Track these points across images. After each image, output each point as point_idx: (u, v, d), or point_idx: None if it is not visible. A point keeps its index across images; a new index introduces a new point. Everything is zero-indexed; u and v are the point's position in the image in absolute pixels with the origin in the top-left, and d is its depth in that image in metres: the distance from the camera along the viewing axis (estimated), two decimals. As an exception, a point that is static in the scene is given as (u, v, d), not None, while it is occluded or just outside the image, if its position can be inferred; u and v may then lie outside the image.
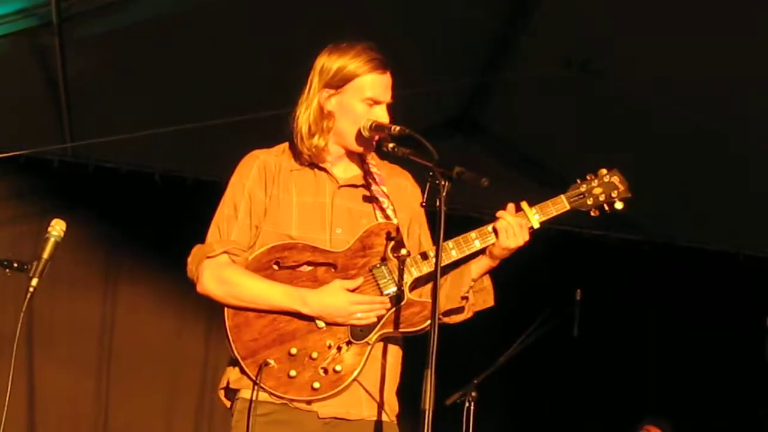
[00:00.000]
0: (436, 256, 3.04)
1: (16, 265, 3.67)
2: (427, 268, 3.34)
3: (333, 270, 3.30)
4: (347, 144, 3.39)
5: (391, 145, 3.29)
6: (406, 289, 3.32)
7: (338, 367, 3.25)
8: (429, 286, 3.40)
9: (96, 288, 7.08)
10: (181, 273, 3.40)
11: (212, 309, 3.37)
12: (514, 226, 3.34)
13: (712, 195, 7.23)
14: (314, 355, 3.24)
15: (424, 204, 3.28)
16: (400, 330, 3.32)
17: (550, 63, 6.84)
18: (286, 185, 3.37)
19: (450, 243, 3.33)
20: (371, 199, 3.41)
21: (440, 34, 6.81)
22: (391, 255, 3.34)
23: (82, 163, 7.00)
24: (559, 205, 3.45)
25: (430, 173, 3.10)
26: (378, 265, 3.33)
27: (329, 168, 3.41)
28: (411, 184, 3.52)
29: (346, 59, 3.34)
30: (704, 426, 7.05)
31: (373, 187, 3.43)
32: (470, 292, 3.44)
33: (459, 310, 3.45)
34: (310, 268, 3.30)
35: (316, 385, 3.23)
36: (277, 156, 3.42)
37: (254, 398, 3.20)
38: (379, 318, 3.29)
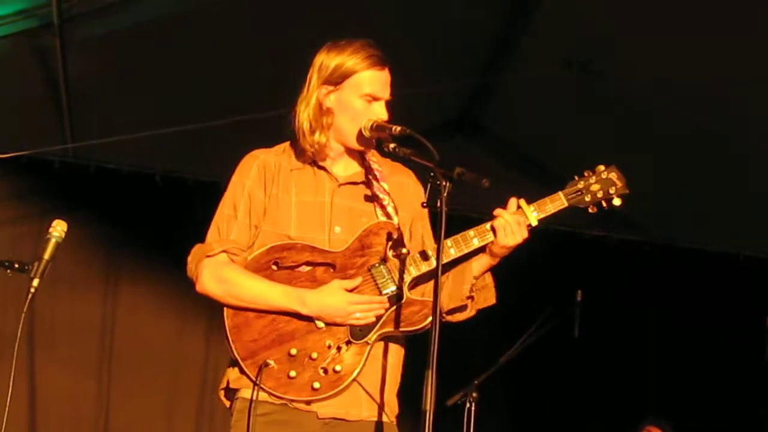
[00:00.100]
0: (437, 257, 3.03)
1: (17, 265, 3.67)
2: (426, 267, 3.34)
3: (332, 270, 3.30)
4: (346, 141, 3.38)
5: (392, 145, 3.28)
6: (405, 288, 3.32)
7: (338, 367, 3.24)
8: (429, 284, 3.40)
9: (97, 288, 7.08)
10: (181, 273, 3.40)
11: (213, 310, 3.37)
12: (512, 224, 3.33)
13: (712, 195, 7.23)
14: (314, 355, 3.24)
15: (425, 204, 3.28)
16: (400, 329, 3.32)
17: (550, 63, 6.84)
18: (285, 185, 3.37)
19: (448, 242, 3.32)
20: (372, 198, 3.41)
21: (441, 35, 6.81)
22: (390, 254, 3.34)
23: (83, 164, 7.00)
24: (557, 202, 3.44)
25: (431, 174, 3.10)
26: (377, 265, 3.32)
27: (329, 166, 3.41)
28: (413, 182, 3.51)
29: (345, 56, 3.33)
30: (705, 426, 7.05)
31: (374, 184, 3.42)
32: (474, 290, 3.44)
33: (462, 309, 3.45)
34: (308, 268, 3.30)
35: (316, 385, 3.23)
36: (277, 155, 3.42)
37: (254, 398, 3.20)
38: (378, 317, 3.29)
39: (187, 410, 7.09)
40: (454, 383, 5.60)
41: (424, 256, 3.35)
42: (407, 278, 3.32)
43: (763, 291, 7.53)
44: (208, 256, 3.30)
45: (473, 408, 5.58)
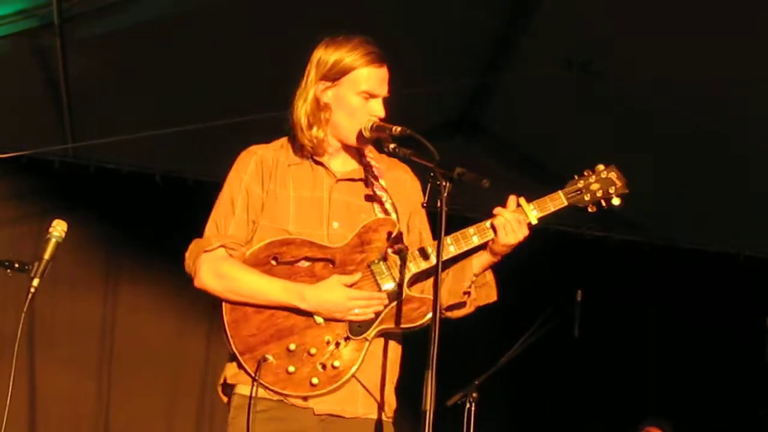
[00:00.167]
0: (437, 257, 3.03)
1: (17, 265, 3.68)
2: (425, 264, 3.35)
3: (331, 265, 3.30)
4: (343, 137, 3.39)
5: (392, 145, 3.29)
6: (404, 285, 3.32)
7: (336, 363, 3.24)
8: (429, 281, 3.42)
9: (97, 288, 7.08)
10: (181, 273, 3.40)
11: (213, 309, 3.36)
12: (513, 222, 3.35)
13: (712, 195, 7.23)
14: (313, 350, 3.24)
15: (425, 205, 3.28)
16: (399, 326, 3.32)
17: (550, 63, 6.84)
18: (283, 180, 3.37)
19: (448, 239, 3.33)
20: (370, 194, 3.41)
21: (441, 35, 6.81)
22: (389, 251, 3.35)
23: (83, 164, 7.00)
24: (557, 201, 3.45)
25: (431, 174, 3.10)
26: (376, 261, 3.32)
27: (327, 162, 3.41)
28: (410, 178, 3.52)
29: (343, 52, 3.34)
30: (705, 426, 7.05)
31: (372, 181, 3.43)
32: (472, 287, 3.44)
33: (461, 305, 3.46)
34: (307, 263, 3.30)
35: (315, 380, 3.23)
36: (275, 151, 3.42)
37: (254, 394, 3.19)
38: (377, 314, 3.29)
39: (187, 410, 7.09)
40: (454, 383, 5.60)
41: (424, 253, 3.35)
42: (406, 275, 3.33)
43: (763, 291, 7.53)
44: (206, 251, 3.30)
45: (473, 408, 5.58)
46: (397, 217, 3.41)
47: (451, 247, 3.33)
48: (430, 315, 3.25)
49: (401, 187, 3.48)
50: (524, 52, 7.05)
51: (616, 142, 7.12)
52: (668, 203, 7.50)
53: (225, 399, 3.38)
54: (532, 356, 6.05)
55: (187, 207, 6.48)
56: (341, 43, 3.36)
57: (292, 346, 3.24)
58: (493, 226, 3.36)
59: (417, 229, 3.49)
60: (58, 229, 3.62)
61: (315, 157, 3.40)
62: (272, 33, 6.28)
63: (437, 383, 2.87)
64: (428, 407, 2.86)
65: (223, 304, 3.28)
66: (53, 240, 3.60)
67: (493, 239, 3.36)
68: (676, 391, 7.59)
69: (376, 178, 3.44)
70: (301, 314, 3.26)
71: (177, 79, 6.57)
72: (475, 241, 3.37)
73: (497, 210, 3.38)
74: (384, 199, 3.41)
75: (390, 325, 3.31)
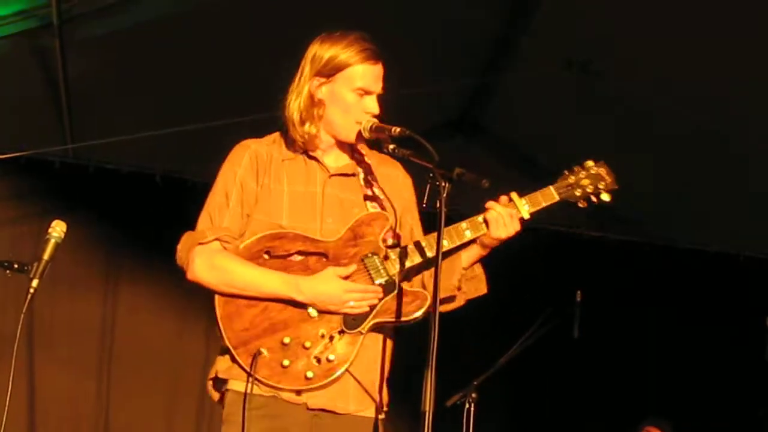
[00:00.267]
0: (436, 258, 3.03)
1: (16, 266, 3.67)
2: (418, 258, 3.35)
3: (324, 259, 3.30)
4: (336, 133, 3.39)
5: (391, 146, 3.29)
6: (397, 279, 3.33)
7: (331, 356, 3.24)
8: (421, 275, 3.43)
9: (96, 289, 7.08)
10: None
11: (213, 309, 3.36)
12: (505, 217, 3.35)
13: (712, 195, 7.23)
14: (307, 344, 3.24)
15: (425, 205, 3.28)
16: (393, 320, 3.33)
17: (550, 63, 6.84)
18: (277, 175, 3.37)
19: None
20: (362, 189, 3.42)
21: (441, 35, 6.81)
22: (382, 245, 3.35)
23: (83, 164, 7.00)
24: (548, 196, 3.47)
25: (431, 174, 3.10)
26: (369, 255, 3.33)
27: (320, 157, 3.41)
28: (402, 174, 3.53)
29: (338, 48, 3.34)
30: (705, 426, 7.04)
31: (365, 176, 3.44)
32: (462, 280, 3.45)
33: (451, 299, 3.46)
34: (301, 257, 3.30)
35: (310, 374, 3.22)
36: (268, 145, 3.42)
37: (249, 391, 3.18)
38: (372, 307, 3.29)
39: (187, 410, 7.09)
40: (454, 384, 5.59)
41: (418, 247, 3.35)
42: (400, 269, 3.33)
43: (762, 291, 7.52)
44: (200, 244, 3.29)
45: (473, 409, 5.58)
46: (392, 211, 3.42)
47: (445, 241, 3.32)
48: (423, 309, 3.30)
49: (393, 183, 3.49)
50: (524, 52, 7.05)
51: (616, 142, 7.12)
52: (668, 203, 7.50)
53: (216, 395, 3.36)
54: (532, 357, 6.05)
55: (186, 207, 6.47)
56: (337, 39, 3.36)
57: (287, 340, 3.23)
58: (485, 221, 3.37)
59: (408, 225, 3.49)
60: (57, 229, 3.61)
61: (308, 152, 3.40)
62: (272, 33, 6.27)
63: (436, 383, 2.86)
64: (428, 408, 2.86)
65: (216, 297, 3.27)
66: (52, 240, 3.59)
67: (484, 233, 3.37)
68: (675, 391, 7.59)
69: (369, 174, 3.45)
70: (295, 307, 3.26)
71: (177, 80, 6.56)
72: (468, 235, 3.37)
73: (489, 204, 3.39)
74: (376, 194, 3.42)
75: (384, 318, 3.31)
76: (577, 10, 6.50)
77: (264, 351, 3.20)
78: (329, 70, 3.34)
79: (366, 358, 3.32)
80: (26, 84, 6.69)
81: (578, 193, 3.52)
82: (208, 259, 3.27)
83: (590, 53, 6.73)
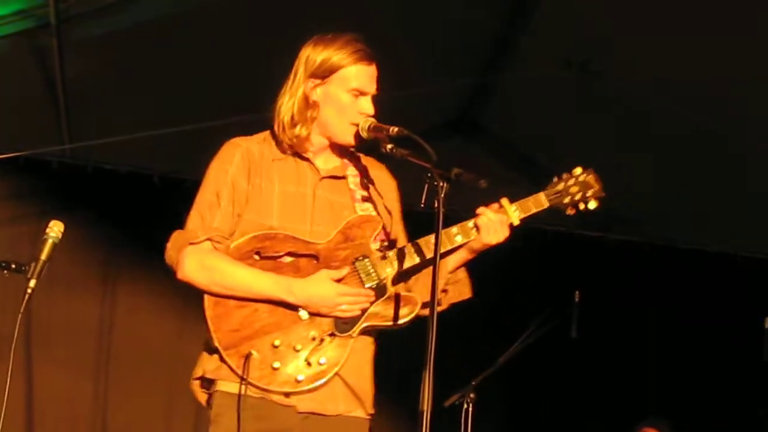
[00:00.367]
0: (435, 257, 3.02)
1: (14, 266, 3.67)
2: (409, 262, 3.34)
3: (315, 261, 3.29)
4: (332, 135, 3.38)
5: (389, 146, 3.27)
6: (388, 282, 3.32)
7: (322, 359, 3.23)
8: (412, 280, 3.43)
9: (94, 289, 7.07)
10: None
11: (202, 309, 3.32)
12: (496, 223, 3.35)
13: (711, 195, 7.23)
14: (298, 346, 3.22)
15: (423, 205, 3.28)
16: (383, 323, 3.32)
17: (549, 63, 6.84)
18: (268, 174, 3.35)
19: (432, 238, 3.33)
20: (352, 192, 3.42)
21: (440, 35, 6.81)
22: (373, 248, 3.34)
23: (81, 165, 6.99)
24: (538, 202, 3.47)
25: (429, 174, 3.09)
26: (360, 258, 3.32)
27: (311, 158, 3.41)
28: (387, 176, 3.54)
29: (332, 50, 3.34)
30: (704, 426, 7.03)
31: (354, 179, 3.44)
32: (448, 284, 3.45)
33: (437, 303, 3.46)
34: (291, 258, 3.28)
35: (300, 377, 3.21)
36: (259, 144, 3.40)
37: (243, 392, 3.17)
38: (363, 311, 3.29)
39: (185, 410, 7.06)
40: (452, 384, 5.59)
41: (408, 251, 3.35)
42: (390, 273, 3.33)
43: (761, 291, 7.52)
44: (191, 244, 3.27)
45: (471, 409, 5.57)
46: (379, 214, 3.42)
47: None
48: (414, 314, 3.31)
49: (379, 186, 3.49)
50: (523, 51, 7.05)
51: (615, 142, 7.13)
52: (667, 203, 7.50)
53: (204, 395, 3.34)
54: (530, 357, 6.04)
55: (185, 208, 6.48)
56: (330, 41, 3.36)
57: (277, 342, 3.22)
58: (476, 226, 3.37)
59: (395, 229, 3.49)
60: (55, 230, 3.61)
61: (299, 153, 3.39)
62: (271, 33, 6.27)
63: (435, 383, 2.86)
64: (425, 408, 2.85)
65: (206, 297, 3.25)
66: (50, 241, 3.58)
67: (474, 238, 3.37)
68: (675, 391, 7.58)
69: (360, 176, 3.45)
70: (285, 309, 3.25)
71: (175, 80, 6.56)
72: (459, 240, 3.37)
73: (481, 210, 3.39)
74: (367, 197, 3.42)
75: (375, 322, 3.31)
76: (576, 10, 6.51)
77: (254, 353, 3.19)
78: (323, 72, 3.33)
79: (355, 361, 3.31)
80: (24, 84, 6.68)
81: (567, 200, 3.52)
82: (200, 258, 3.24)
83: (589, 53, 6.73)
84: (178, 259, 3.27)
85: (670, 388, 7.64)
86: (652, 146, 7.11)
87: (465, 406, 5.56)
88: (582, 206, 3.54)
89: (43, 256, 3.56)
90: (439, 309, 3.36)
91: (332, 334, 3.25)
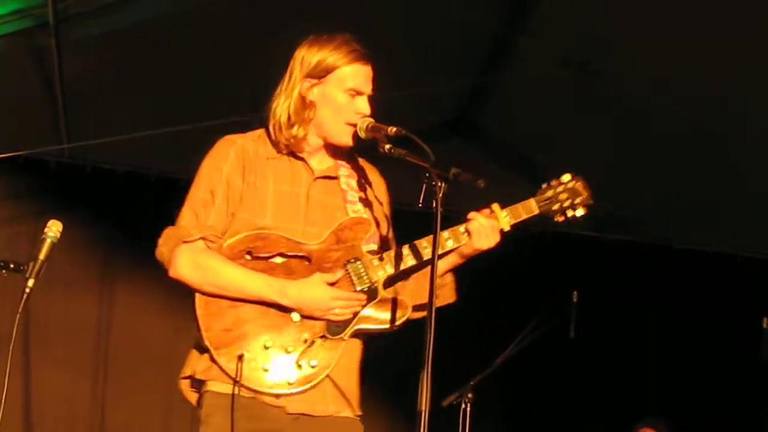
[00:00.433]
0: (433, 257, 3.02)
1: (12, 265, 3.68)
2: (405, 264, 3.35)
3: (307, 263, 3.29)
4: (329, 135, 3.39)
5: (387, 146, 3.27)
6: (379, 286, 3.33)
7: (314, 362, 3.23)
8: (399, 284, 3.44)
9: (92, 289, 7.06)
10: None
11: (193, 307, 3.30)
12: (487, 228, 3.37)
13: (710, 196, 7.23)
14: (290, 348, 3.22)
15: (421, 205, 3.28)
16: (374, 327, 3.33)
17: (549, 63, 6.84)
18: (263, 172, 3.35)
19: (423, 242, 3.35)
20: (345, 193, 3.42)
21: (439, 35, 6.80)
22: (365, 251, 3.35)
23: (79, 164, 6.98)
24: (529, 208, 3.49)
25: (427, 174, 3.09)
26: (352, 261, 3.32)
27: (306, 158, 3.40)
28: (377, 177, 3.55)
29: (327, 51, 3.35)
30: (703, 427, 7.03)
31: (347, 180, 3.44)
32: (436, 288, 3.44)
33: (423, 307, 3.42)
34: (283, 259, 3.28)
35: (292, 379, 3.21)
36: (254, 141, 3.40)
37: (236, 392, 3.16)
38: (354, 314, 3.29)
39: (183, 410, 7.00)
40: (450, 384, 5.58)
41: (399, 255, 3.35)
42: (382, 276, 3.33)
43: (761, 291, 7.52)
44: (186, 242, 3.25)
45: (469, 409, 5.57)
46: (374, 216, 3.43)
47: (427, 250, 3.34)
48: (405, 318, 3.33)
49: (369, 187, 3.50)
50: (523, 51, 7.05)
51: (615, 142, 7.12)
52: (666, 203, 7.50)
53: (194, 395, 3.33)
54: (528, 357, 6.04)
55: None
56: (326, 42, 3.36)
57: (269, 343, 3.21)
58: (467, 231, 3.38)
59: (385, 231, 3.50)
60: (53, 229, 3.61)
61: (294, 153, 3.39)
62: (270, 33, 6.26)
63: (433, 383, 2.85)
64: (424, 408, 2.85)
65: (197, 296, 3.24)
66: (48, 240, 3.58)
67: (465, 243, 3.38)
68: (673, 391, 7.58)
69: (354, 177, 3.45)
70: (277, 311, 3.24)
71: (174, 79, 6.56)
72: (450, 245, 3.38)
73: (472, 215, 3.40)
74: (358, 198, 3.42)
75: (365, 325, 3.32)
76: (575, 10, 6.50)
77: (246, 354, 3.17)
78: (320, 72, 3.34)
79: (343, 362, 3.31)
80: (22, 83, 6.68)
81: (556, 207, 3.54)
82: (193, 257, 3.23)
83: (589, 53, 6.73)
84: (171, 257, 3.26)
85: (669, 388, 7.64)
86: (652, 146, 7.10)
87: (463, 406, 5.56)
88: (570, 213, 3.57)
89: (42, 256, 3.56)
90: (425, 313, 3.39)
91: (323, 337, 3.26)
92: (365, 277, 3.32)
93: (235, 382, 3.15)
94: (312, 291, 3.22)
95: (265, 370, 3.19)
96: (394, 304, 3.33)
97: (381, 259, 3.34)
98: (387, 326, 3.33)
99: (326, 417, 3.28)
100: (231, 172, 3.32)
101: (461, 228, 3.38)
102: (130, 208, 7.03)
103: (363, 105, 3.35)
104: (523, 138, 7.75)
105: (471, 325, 6.90)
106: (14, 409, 6.62)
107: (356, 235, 3.34)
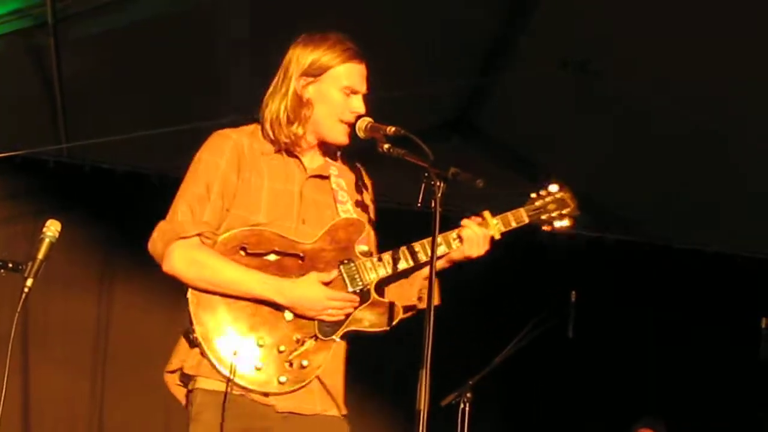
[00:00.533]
0: (431, 257, 3.01)
1: (11, 265, 3.67)
2: (403, 265, 3.36)
3: (300, 261, 3.28)
4: (324, 134, 3.39)
5: (386, 145, 3.28)
6: (371, 288, 3.34)
7: (305, 362, 3.23)
8: (393, 286, 3.44)
9: (91, 289, 7.05)
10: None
11: (186, 303, 3.29)
12: (480, 237, 3.41)
13: (710, 196, 7.22)
14: (282, 347, 3.22)
15: (420, 204, 3.28)
16: (364, 329, 3.34)
17: (549, 63, 6.84)
18: (257, 168, 3.34)
19: (416, 245, 3.37)
20: (335, 193, 3.43)
21: (439, 35, 6.80)
22: (357, 252, 3.35)
23: (78, 164, 6.98)
24: (519, 217, 3.53)
25: (426, 174, 3.09)
26: (346, 262, 3.33)
27: (300, 156, 3.40)
28: (364, 177, 3.56)
29: (323, 49, 3.35)
30: (703, 427, 7.03)
31: (337, 180, 3.45)
32: (423, 291, 3.47)
33: (411, 309, 3.49)
34: (276, 257, 3.27)
35: (282, 378, 3.20)
36: (248, 137, 3.39)
37: (216, 389, 3.16)
38: (347, 315, 3.30)
39: (182, 410, 7.05)
40: (449, 383, 5.58)
41: (392, 257, 3.36)
42: (374, 278, 3.34)
43: (760, 291, 7.51)
44: (182, 238, 3.23)
45: (467, 408, 5.57)
46: (369, 215, 3.46)
47: (420, 254, 3.37)
48: (395, 321, 3.35)
49: (357, 187, 3.52)
50: (522, 51, 7.05)
51: (615, 142, 7.12)
52: (666, 203, 7.49)
53: (182, 390, 3.33)
54: (527, 356, 6.04)
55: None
56: (320, 41, 3.37)
57: (261, 342, 3.21)
58: (459, 237, 3.40)
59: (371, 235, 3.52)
60: (52, 229, 3.60)
61: (289, 150, 3.38)
62: (269, 33, 6.26)
63: (431, 383, 2.85)
64: (422, 407, 2.84)
65: (190, 293, 3.22)
66: (47, 240, 3.58)
67: (455, 249, 3.41)
68: (672, 391, 7.57)
69: (340, 176, 3.46)
70: (270, 310, 3.24)
71: (173, 79, 6.55)
72: (442, 250, 3.40)
73: (465, 222, 3.43)
74: (345, 198, 3.43)
75: (357, 327, 3.33)
76: (575, 10, 6.51)
77: (239, 352, 3.16)
78: (315, 70, 3.34)
79: (333, 364, 3.33)
80: (21, 83, 6.68)
81: (544, 217, 3.59)
82: (188, 253, 3.21)
83: (589, 53, 6.73)
84: (166, 252, 3.24)
85: (668, 388, 7.63)
86: (652, 146, 7.10)
87: (462, 405, 5.57)
88: (557, 224, 3.62)
89: (40, 255, 3.56)
90: (410, 314, 3.40)
91: (315, 337, 3.26)
92: (358, 279, 3.32)
93: (229, 380, 3.14)
94: (308, 290, 3.22)
95: (258, 369, 3.18)
96: (385, 306, 3.35)
97: (377, 260, 3.35)
98: (378, 329, 3.34)
99: (314, 416, 3.29)
100: (227, 167, 3.31)
101: (453, 234, 3.41)
102: (129, 207, 7.01)
103: (358, 104, 3.36)
104: (522, 138, 7.75)
105: (470, 325, 6.89)
106: (13, 409, 6.61)
107: (350, 236, 3.35)
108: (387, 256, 3.36)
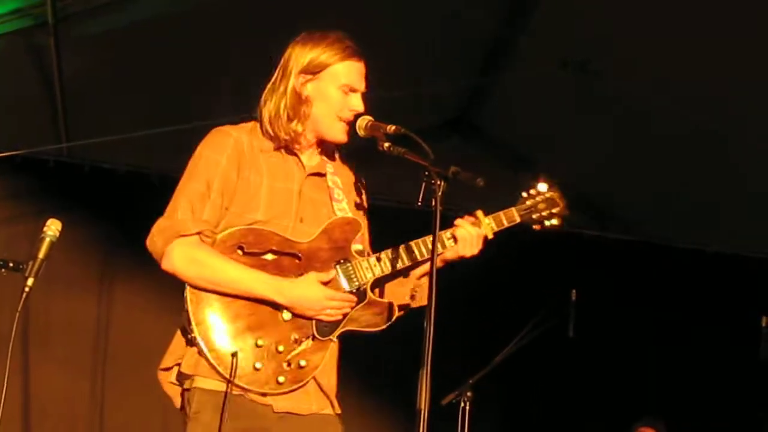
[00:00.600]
0: (432, 257, 3.01)
1: (11, 264, 3.68)
2: (401, 264, 3.37)
3: (297, 261, 3.28)
4: (323, 132, 3.39)
5: (386, 144, 3.28)
6: (368, 288, 3.34)
7: (303, 362, 3.24)
8: (388, 285, 3.46)
9: (92, 288, 7.05)
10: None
11: (184, 301, 3.29)
12: (474, 237, 3.43)
13: (710, 195, 7.23)
14: (281, 348, 3.22)
15: (420, 203, 3.27)
16: (361, 328, 3.35)
17: (549, 63, 6.84)
18: (257, 166, 3.34)
19: (413, 244, 3.38)
20: (331, 191, 3.43)
21: (439, 35, 6.80)
22: (354, 252, 3.36)
23: (78, 164, 6.98)
24: (511, 217, 3.56)
25: (426, 173, 3.09)
26: (342, 262, 3.33)
27: (299, 153, 3.41)
28: (359, 177, 3.57)
29: (322, 48, 3.35)
30: (703, 427, 7.03)
31: (331, 177, 3.45)
32: (416, 290, 3.49)
33: (404, 308, 3.50)
34: (273, 256, 3.27)
35: (281, 379, 3.20)
36: (248, 134, 3.38)
37: (214, 388, 3.16)
38: (344, 315, 3.31)
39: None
40: (449, 383, 5.58)
41: (388, 257, 3.37)
42: (370, 278, 3.35)
43: (760, 291, 7.51)
44: (182, 236, 3.22)
45: (468, 407, 5.57)
46: (364, 213, 3.47)
47: (416, 253, 3.39)
48: (392, 319, 3.36)
49: (353, 186, 3.53)
50: (522, 51, 7.05)
51: (615, 142, 7.12)
52: (666, 203, 7.50)
53: (177, 389, 3.32)
54: (527, 356, 6.04)
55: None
56: (319, 39, 3.37)
57: (260, 342, 3.20)
58: (453, 237, 3.42)
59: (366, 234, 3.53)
60: (53, 228, 3.60)
61: (288, 148, 3.39)
62: (269, 32, 6.25)
63: (432, 382, 2.85)
64: (423, 406, 2.84)
65: (189, 291, 3.22)
66: (48, 239, 3.58)
67: (449, 249, 3.43)
68: (673, 390, 7.57)
69: (335, 174, 3.47)
70: (268, 309, 3.23)
71: (173, 79, 6.55)
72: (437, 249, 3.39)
73: (459, 222, 3.45)
74: (341, 197, 3.44)
75: (353, 327, 3.34)
76: (575, 10, 6.51)
77: (239, 352, 3.16)
78: (314, 68, 3.34)
79: (329, 364, 3.34)
80: (21, 83, 6.68)
81: (535, 216, 3.62)
82: (188, 251, 3.21)
83: (589, 53, 6.73)
84: (165, 250, 3.23)
85: (668, 387, 7.63)
86: (652, 146, 7.10)
87: (462, 404, 5.57)
88: (547, 223, 3.64)
89: (41, 255, 3.56)
90: (402, 313, 3.41)
91: (313, 337, 3.26)
92: (355, 279, 3.33)
93: (228, 381, 3.14)
94: (307, 290, 3.23)
95: (256, 369, 3.18)
96: (381, 305, 3.36)
97: (373, 260, 3.36)
98: (374, 328, 3.36)
99: (310, 415, 3.29)
100: (228, 165, 3.30)
101: (447, 233, 3.43)
102: (129, 207, 7.00)
103: (356, 102, 3.36)
104: (522, 138, 7.75)
105: (470, 324, 6.89)
106: (13, 409, 6.61)
107: (346, 235, 3.36)
108: (383, 256, 3.37)
